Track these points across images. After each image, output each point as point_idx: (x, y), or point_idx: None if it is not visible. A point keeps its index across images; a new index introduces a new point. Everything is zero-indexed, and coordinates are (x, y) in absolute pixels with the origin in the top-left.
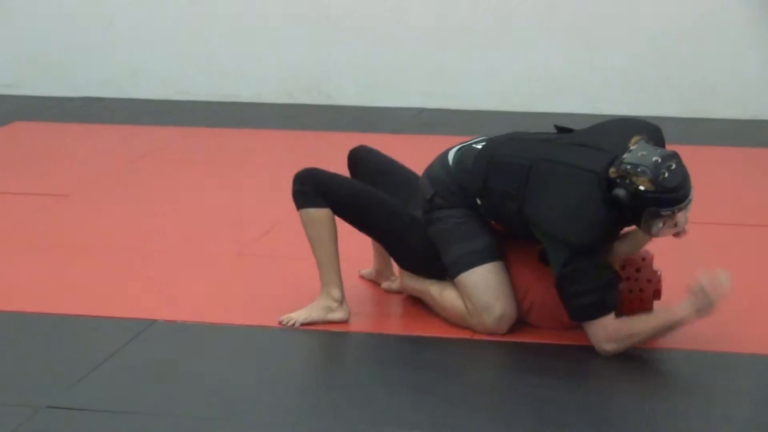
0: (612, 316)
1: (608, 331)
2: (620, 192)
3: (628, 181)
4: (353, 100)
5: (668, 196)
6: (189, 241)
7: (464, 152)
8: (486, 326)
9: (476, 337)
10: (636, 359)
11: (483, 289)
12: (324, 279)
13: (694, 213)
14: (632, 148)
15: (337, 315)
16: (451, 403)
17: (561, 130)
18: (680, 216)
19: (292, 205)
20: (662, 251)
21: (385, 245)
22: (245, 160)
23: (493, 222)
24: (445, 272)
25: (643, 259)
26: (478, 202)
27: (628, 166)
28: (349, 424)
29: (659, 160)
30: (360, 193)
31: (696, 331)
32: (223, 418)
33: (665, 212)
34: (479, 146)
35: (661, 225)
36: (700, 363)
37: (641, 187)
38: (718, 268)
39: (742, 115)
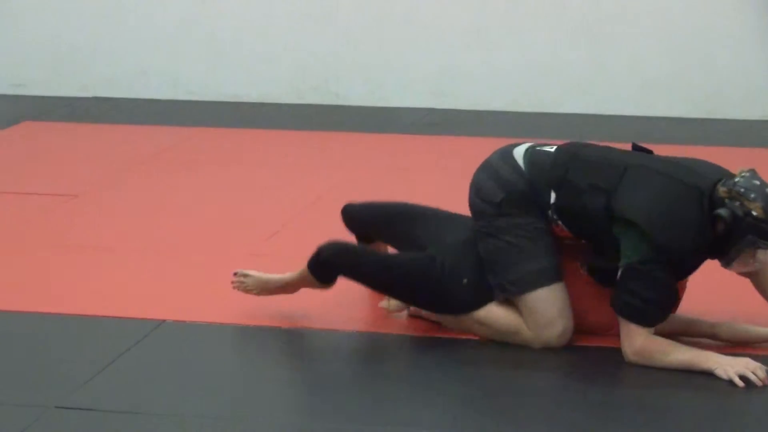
0: (651, 331)
1: (640, 341)
2: (724, 212)
3: (738, 203)
4: (362, 100)
5: None
6: (198, 241)
7: (535, 153)
8: (545, 342)
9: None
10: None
11: (549, 306)
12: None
13: None
14: (744, 175)
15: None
16: (464, 403)
17: (637, 149)
18: (762, 253)
19: (301, 205)
20: None
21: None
22: (254, 161)
23: (559, 223)
24: (472, 301)
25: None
26: (552, 196)
27: (742, 189)
28: (358, 424)
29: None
30: (387, 269)
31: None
32: (231, 417)
33: (763, 243)
34: (552, 149)
35: (744, 259)
36: None
37: (754, 212)
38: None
39: (749, 116)
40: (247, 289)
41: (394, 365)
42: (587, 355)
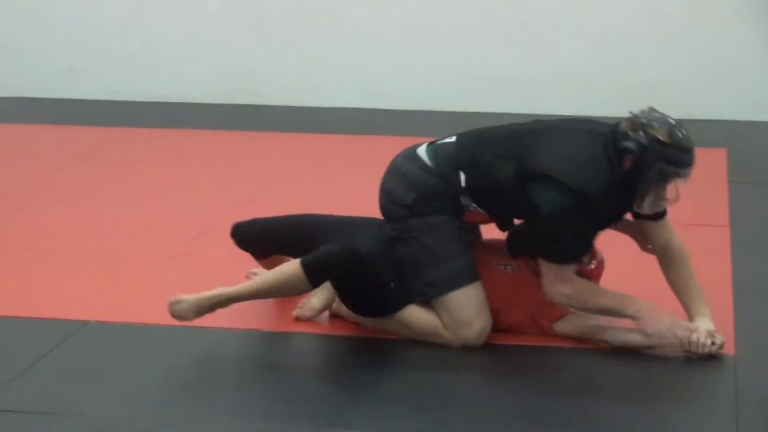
0: (574, 268)
1: (569, 284)
2: (630, 144)
3: (641, 133)
4: (290, 99)
5: (680, 154)
6: (122, 241)
7: (438, 146)
8: (464, 340)
9: None
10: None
11: (465, 306)
12: None
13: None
14: (644, 112)
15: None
16: (387, 403)
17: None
18: (678, 184)
19: (227, 205)
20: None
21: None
22: (181, 161)
23: (472, 208)
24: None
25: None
26: (462, 182)
27: (644, 120)
28: (287, 425)
29: (673, 122)
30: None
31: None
32: (155, 419)
33: (671, 170)
34: (453, 138)
35: (656, 194)
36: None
37: (658, 136)
38: (717, 336)
39: (680, 115)
40: (182, 316)
41: (318, 365)
42: (507, 353)
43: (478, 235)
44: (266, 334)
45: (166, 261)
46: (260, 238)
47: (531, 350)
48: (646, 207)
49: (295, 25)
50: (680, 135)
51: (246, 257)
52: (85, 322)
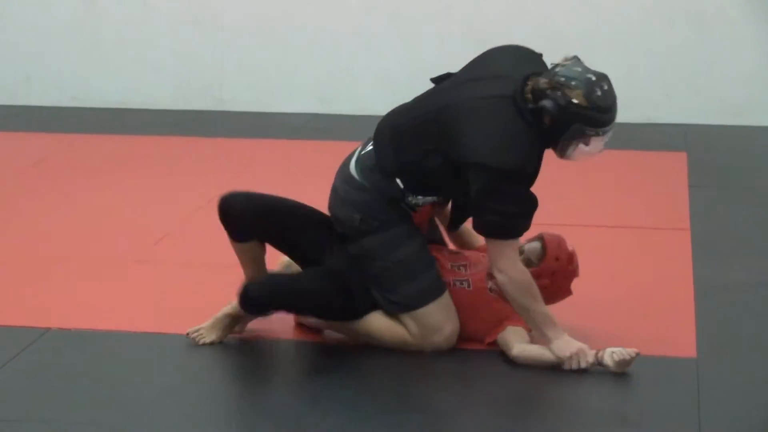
0: (517, 244)
1: (506, 259)
2: (548, 103)
3: (559, 93)
4: (247, 105)
5: (597, 115)
6: (83, 248)
7: (362, 159)
8: (435, 345)
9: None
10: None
11: (433, 315)
12: None
13: (579, 216)
14: (566, 64)
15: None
16: (351, 408)
17: (438, 80)
18: (598, 141)
19: (187, 211)
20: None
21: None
22: (140, 167)
23: (418, 207)
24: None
25: (557, 259)
26: (400, 185)
27: (562, 79)
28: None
29: (593, 79)
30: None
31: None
32: (118, 425)
33: (590, 131)
34: (370, 145)
35: (578, 146)
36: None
37: (574, 100)
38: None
39: (639, 119)
40: (206, 341)
41: (282, 372)
42: (471, 358)
43: (440, 237)
44: (230, 340)
45: (127, 267)
46: (248, 218)
47: (494, 354)
48: (570, 157)
49: (253, 31)
50: (599, 95)
51: (209, 261)
52: (47, 329)
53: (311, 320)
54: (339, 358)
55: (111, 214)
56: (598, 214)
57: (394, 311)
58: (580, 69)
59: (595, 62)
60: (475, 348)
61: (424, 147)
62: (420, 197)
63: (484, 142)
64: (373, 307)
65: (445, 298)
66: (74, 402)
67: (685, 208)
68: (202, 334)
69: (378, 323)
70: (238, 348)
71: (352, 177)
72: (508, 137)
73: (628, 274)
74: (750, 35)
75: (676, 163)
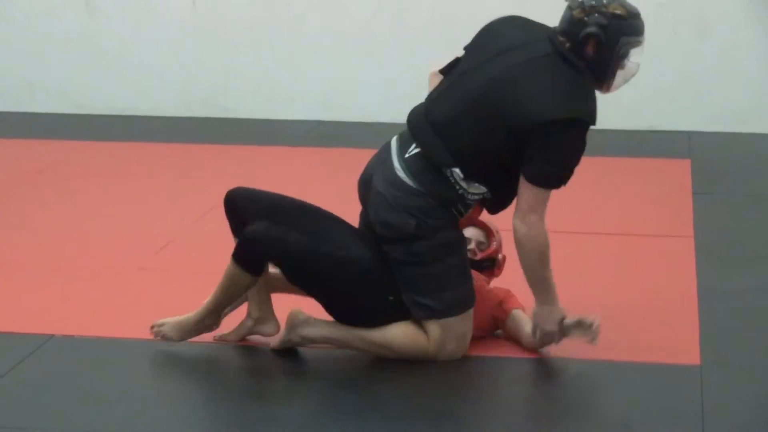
0: (547, 198)
1: (535, 214)
2: (592, 28)
3: (596, 14)
4: (251, 112)
5: (637, 22)
6: (87, 255)
7: (410, 162)
8: (451, 354)
9: None
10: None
11: (461, 323)
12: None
13: (583, 224)
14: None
15: (267, 328)
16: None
17: (448, 68)
18: (637, 55)
19: (190, 218)
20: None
21: (327, 298)
22: (143, 174)
23: (471, 201)
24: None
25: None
26: (460, 174)
27: (593, 2)
28: None
29: None
30: (317, 249)
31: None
32: None
33: (634, 40)
34: (415, 148)
35: (621, 70)
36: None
37: (617, 11)
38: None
39: (643, 126)
40: (166, 337)
41: (287, 380)
42: (477, 364)
43: None
44: (234, 348)
45: (130, 275)
46: (255, 209)
47: (500, 361)
48: (614, 87)
49: (257, 39)
50: (627, 2)
51: (213, 269)
52: (51, 336)
53: (314, 332)
54: (343, 366)
55: (115, 222)
56: (602, 221)
57: (422, 317)
58: None
59: None
60: (482, 355)
61: (480, 128)
62: (475, 189)
63: (550, 99)
64: (386, 314)
65: (471, 312)
66: (77, 409)
67: (688, 215)
68: (161, 330)
69: (396, 329)
70: (241, 356)
71: (403, 182)
72: (571, 88)
73: (631, 281)
74: (754, 43)
75: (680, 171)
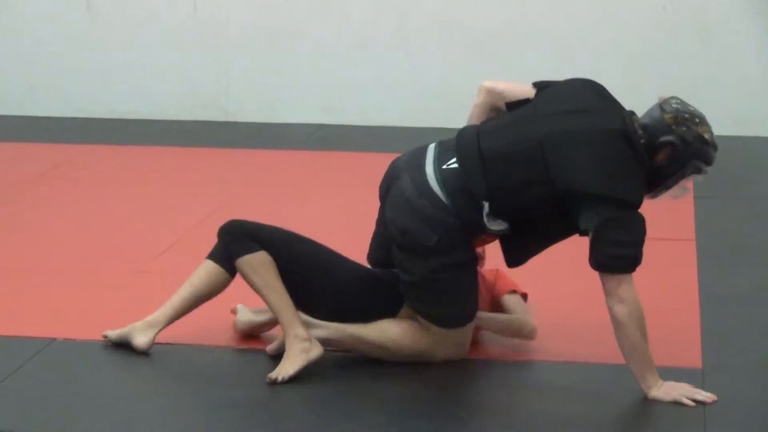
0: (632, 279)
1: (624, 290)
2: (673, 138)
3: (684, 128)
4: (253, 116)
5: (714, 153)
6: (88, 258)
7: (446, 175)
8: (452, 356)
9: None
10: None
11: (464, 333)
12: (284, 323)
13: None
14: (673, 100)
15: (314, 353)
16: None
17: (516, 105)
18: (693, 181)
19: (191, 222)
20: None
21: (313, 290)
22: (144, 178)
23: (487, 230)
24: (372, 313)
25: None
26: (487, 209)
27: (687, 114)
28: None
29: (705, 117)
30: (292, 236)
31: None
32: None
33: (704, 168)
34: (455, 163)
35: (682, 187)
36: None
37: (705, 135)
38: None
39: None
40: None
41: (287, 382)
42: (478, 367)
43: None
44: (233, 351)
45: (131, 278)
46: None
47: (502, 364)
48: (658, 197)
49: (259, 42)
50: (713, 133)
51: None
52: (52, 340)
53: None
54: (342, 368)
55: (116, 225)
56: None
57: (425, 321)
58: (692, 107)
59: (599, 73)
60: (482, 357)
61: (525, 176)
62: (497, 226)
63: (602, 172)
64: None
65: (473, 323)
66: (79, 413)
67: (690, 218)
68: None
69: (395, 327)
70: (241, 358)
71: (433, 192)
72: (625, 170)
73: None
74: (754, 46)
75: None
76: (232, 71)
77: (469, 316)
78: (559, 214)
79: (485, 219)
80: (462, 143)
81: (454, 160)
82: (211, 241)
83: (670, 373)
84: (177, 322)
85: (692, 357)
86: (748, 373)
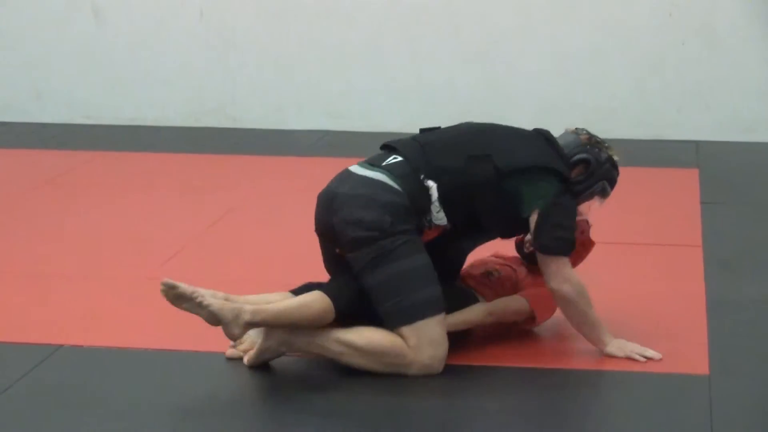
0: (568, 260)
1: (567, 270)
2: (587, 156)
3: (597, 149)
4: (259, 122)
5: (617, 179)
6: (96, 265)
7: (391, 167)
8: (428, 363)
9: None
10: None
11: (434, 327)
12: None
13: (591, 233)
14: (585, 129)
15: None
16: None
17: (427, 129)
18: (598, 204)
19: (198, 228)
20: None
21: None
22: (151, 184)
23: (431, 225)
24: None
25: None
26: (435, 193)
27: (598, 139)
28: None
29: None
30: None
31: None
32: None
33: (608, 190)
34: (396, 158)
35: (590, 205)
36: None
37: (615, 157)
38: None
39: (650, 136)
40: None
41: (286, 388)
42: (468, 373)
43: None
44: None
45: (138, 284)
46: None
47: (493, 370)
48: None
49: (264, 49)
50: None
51: (221, 279)
52: (59, 347)
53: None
54: (338, 378)
55: (123, 231)
56: (611, 231)
57: (395, 324)
58: (597, 137)
59: (606, 79)
60: (473, 364)
61: (470, 153)
62: (441, 215)
63: (539, 150)
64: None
65: (444, 318)
66: (86, 419)
67: (697, 224)
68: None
69: (374, 333)
70: (245, 367)
71: (380, 181)
72: (554, 152)
73: (640, 290)
74: (762, 52)
75: (688, 180)
76: (238, 78)
77: (434, 305)
78: (501, 205)
79: (432, 207)
80: (396, 143)
81: (394, 156)
82: (219, 247)
83: (677, 380)
84: (185, 329)
85: (699, 363)
86: (755, 379)
